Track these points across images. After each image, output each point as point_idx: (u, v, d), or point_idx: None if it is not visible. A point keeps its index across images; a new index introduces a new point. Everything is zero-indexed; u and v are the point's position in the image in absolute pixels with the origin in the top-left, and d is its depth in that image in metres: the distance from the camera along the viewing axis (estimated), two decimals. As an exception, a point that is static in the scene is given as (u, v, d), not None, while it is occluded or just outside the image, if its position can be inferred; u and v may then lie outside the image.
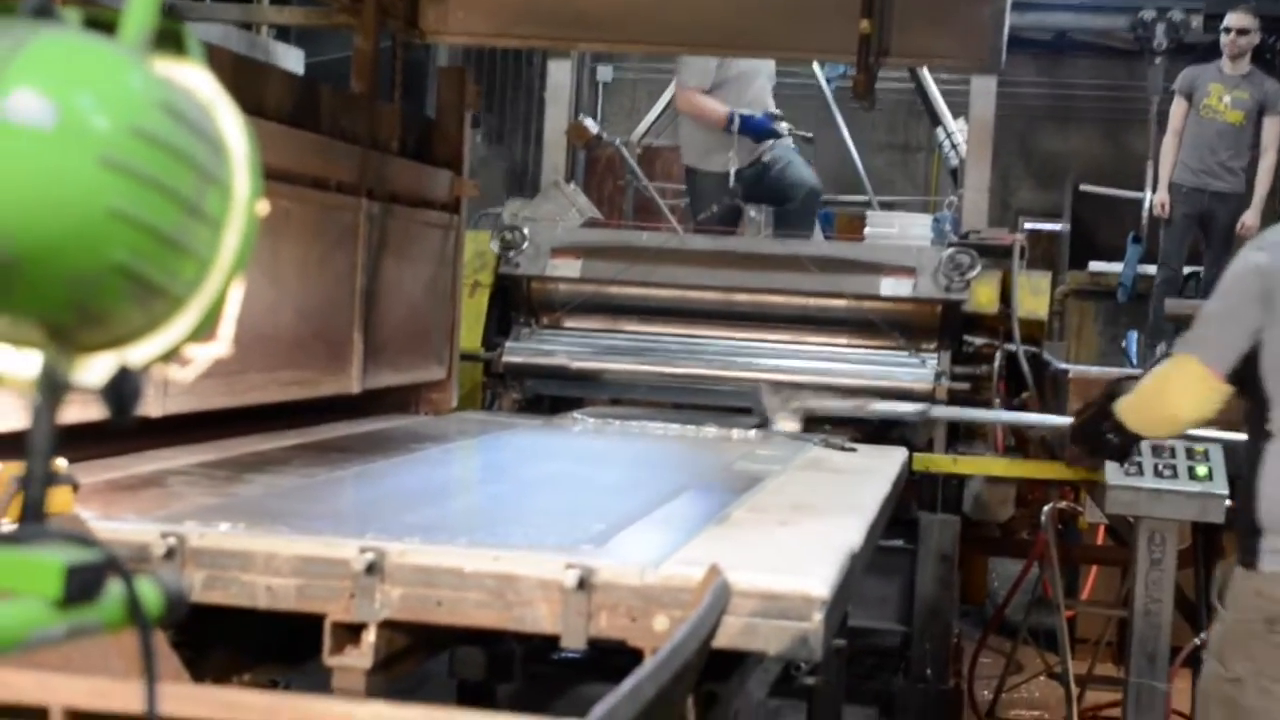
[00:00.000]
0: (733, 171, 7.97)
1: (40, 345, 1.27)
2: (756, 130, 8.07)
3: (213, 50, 4.77)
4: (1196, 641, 5.42)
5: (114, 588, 1.29)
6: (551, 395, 6.83)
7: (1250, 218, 9.86)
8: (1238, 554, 3.60)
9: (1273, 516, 3.48)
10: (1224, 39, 9.98)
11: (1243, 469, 3.68)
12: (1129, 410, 4.03)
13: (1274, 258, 3.63)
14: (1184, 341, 3.85)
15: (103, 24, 1.30)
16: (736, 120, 7.96)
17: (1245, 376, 3.63)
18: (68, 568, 1.23)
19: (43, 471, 1.27)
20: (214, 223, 1.29)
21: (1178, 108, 10.07)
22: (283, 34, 8.68)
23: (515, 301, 6.87)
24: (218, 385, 4.18)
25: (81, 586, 1.24)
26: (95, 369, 1.28)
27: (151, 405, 3.82)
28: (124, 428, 1.27)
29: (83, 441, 2.97)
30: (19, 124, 1.18)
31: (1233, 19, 10.00)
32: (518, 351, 6.70)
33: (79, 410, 1.41)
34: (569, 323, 6.88)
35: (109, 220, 1.20)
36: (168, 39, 1.33)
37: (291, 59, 7.95)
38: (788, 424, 3.87)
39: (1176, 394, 3.72)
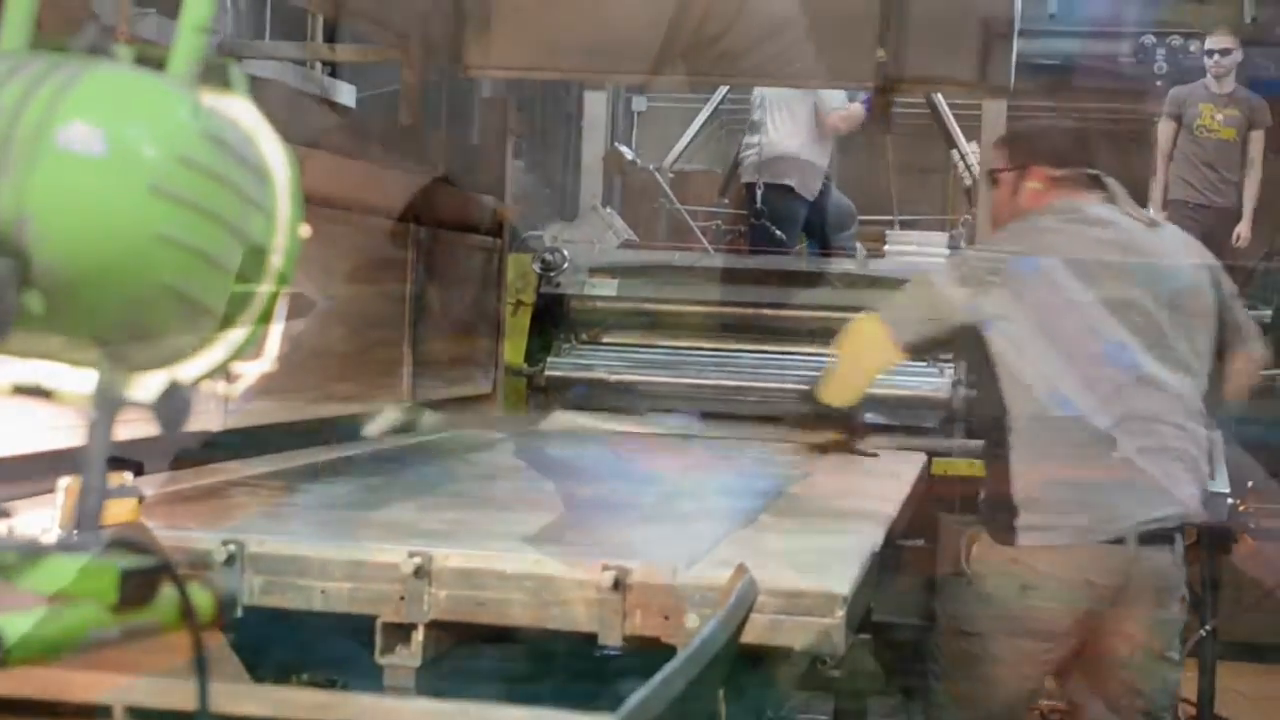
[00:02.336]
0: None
1: (95, 363, 1.26)
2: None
3: (268, 85, 4.80)
4: (1203, 632, 5.40)
5: (168, 592, 1.28)
6: (591, 407, 6.83)
7: (1244, 229, 9.80)
8: (992, 532, 3.84)
9: (1025, 499, 3.74)
10: (1209, 61, 9.96)
11: (991, 460, 3.90)
12: (827, 377, 4.28)
13: (979, 259, 3.99)
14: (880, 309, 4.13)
15: (152, 60, 1.30)
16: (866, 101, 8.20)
17: (983, 384, 3.95)
18: (123, 573, 1.23)
19: (98, 482, 1.27)
20: (258, 246, 1.29)
21: (1167, 129, 10.02)
22: (335, 70, 8.69)
23: (556, 319, 6.87)
24: (275, 401, 4.18)
25: (136, 590, 1.24)
26: (147, 386, 1.28)
27: (213, 421, 3.82)
28: (175, 439, 1.26)
29: (147, 456, 2.97)
30: (73, 153, 1.18)
31: (1215, 41, 10.00)
32: (559, 366, 6.69)
33: (141, 427, 1.40)
34: (607, 338, 6.87)
35: (158, 244, 1.19)
36: (214, 74, 1.32)
37: (343, 93, 7.95)
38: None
39: (857, 333, 4.07)
